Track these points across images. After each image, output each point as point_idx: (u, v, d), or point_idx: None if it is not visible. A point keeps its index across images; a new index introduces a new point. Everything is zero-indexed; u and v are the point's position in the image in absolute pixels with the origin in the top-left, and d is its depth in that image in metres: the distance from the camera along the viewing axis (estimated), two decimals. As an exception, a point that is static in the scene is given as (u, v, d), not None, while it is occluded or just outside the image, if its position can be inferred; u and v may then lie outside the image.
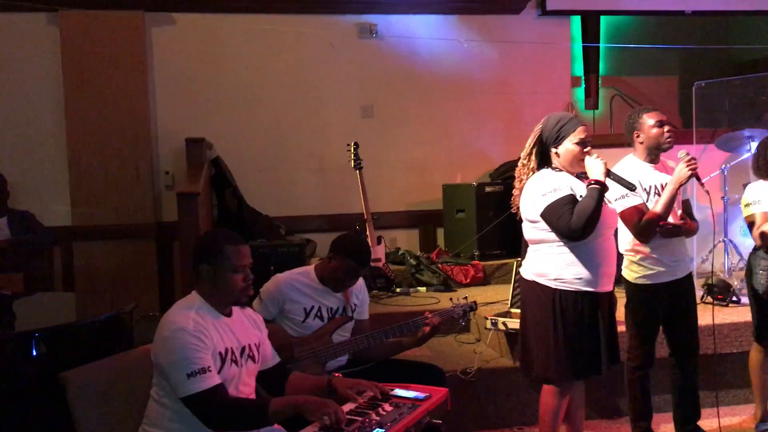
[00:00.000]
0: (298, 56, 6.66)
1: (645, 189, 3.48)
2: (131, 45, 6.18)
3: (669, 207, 3.37)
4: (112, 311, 3.09)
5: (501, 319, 4.22)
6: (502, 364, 4.27)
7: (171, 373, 2.28)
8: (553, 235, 3.03)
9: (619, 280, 3.51)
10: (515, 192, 3.26)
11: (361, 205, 5.70)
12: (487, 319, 4.34)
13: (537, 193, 3.03)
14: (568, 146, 3.06)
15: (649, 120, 3.51)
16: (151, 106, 6.32)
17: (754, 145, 5.35)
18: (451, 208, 6.38)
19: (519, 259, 5.65)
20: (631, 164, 3.53)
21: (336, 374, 2.71)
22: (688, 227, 3.53)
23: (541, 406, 3.20)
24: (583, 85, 7.64)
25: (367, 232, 5.61)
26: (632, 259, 3.51)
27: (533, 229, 3.11)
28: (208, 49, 6.51)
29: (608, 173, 3.04)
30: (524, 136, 7.00)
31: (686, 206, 3.65)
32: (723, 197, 5.48)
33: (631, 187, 3.20)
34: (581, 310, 3.02)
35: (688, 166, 3.30)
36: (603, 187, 2.96)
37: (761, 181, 3.73)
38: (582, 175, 3.12)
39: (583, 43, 7.43)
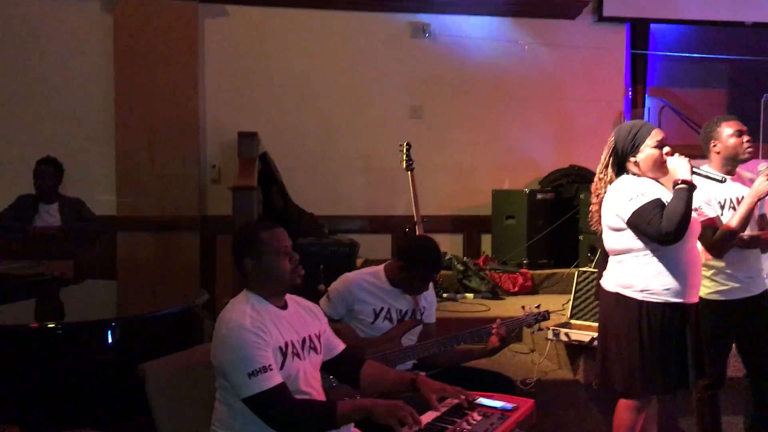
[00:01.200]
0: (350, 53, 6.57)
1: (720, 202, 3.35)
2: (184, 36, 6.12)
3: (746, 221, 3.23)
4: (185, 303, 3.00)
5: (564, 330, 4.09)
6: (561, 377, 4.14)
7: (232, 374, 2.18)
8: (639, 244, 2.90)
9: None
10: (593, 208, 3.15)
11: (406, 207, 5.59)
12: (546, 329, 4.21)
13: (623, 199, 2.91)
14: (647, 151, 2.96)
15: (727, 129, 3.39)
16: (200, 99, 6.26)
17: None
18: (500, 214, 6.24)
19: (572, 268, 5.56)
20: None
21: (421, 373, 2.60)
22: (766, 238, 3.39)
23: (617, 422, 3.08)
24: (630, 95, 7.48)
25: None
26: (705, 274, 3.36)
27: (618, 237, 2.97)
28: (258, 43, 6.43)
29: (693, 170, 2.92)
30: (575, 144, 6.95)
31: (762, 221, 3.51)
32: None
33: (721, 180, 3.09)
34: (669, 322, 2.89)
35: None
36: (691, 186, 2.84)
37: None
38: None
39: (632, 50, 7.26)
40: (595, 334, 3.41)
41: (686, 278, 2.91)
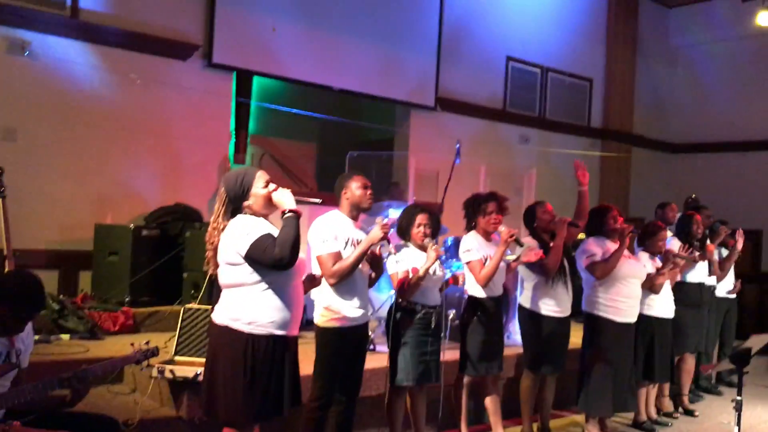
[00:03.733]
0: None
1: (345, 240, 3.88)
2: None
3: (360, 259, 3.81)
4: None
5: (169, 367, 4.11)
6: (164, 414, 4.14)
7: None
8: (253, 278, 3.11)
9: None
10: (209, 254, 3.27)
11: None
12: (149, 367, 4.17)
13: (240, 234, 3.10)
14: (256, 194, 3.22)
15: (356, 182, 3.98)
16: None
17: (392, 211, 6.19)
18: (103, 249, 5.99)
19: (176, 306, 5.60)
20: (336, 218, 3.94)
21: (15, 422, 2.38)
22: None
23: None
24: (234, 140, 7.86)
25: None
26: (322, 304, 3.85)
27: (234, 272, 3.14)
28: None
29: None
30: (181, 182, 7.05)
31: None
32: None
33: (318, 203, 3.74)
34: (272, 353, 3.14)
35: (382, 229, 3.78)
36: (297, 215, 3.16)
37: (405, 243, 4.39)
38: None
39: (237, 98, 7.69)
40: (200, 369, 3.50)
41: (290, 313, 3.21)
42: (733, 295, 6.87)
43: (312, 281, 3.59)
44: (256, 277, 3.11)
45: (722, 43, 11.57)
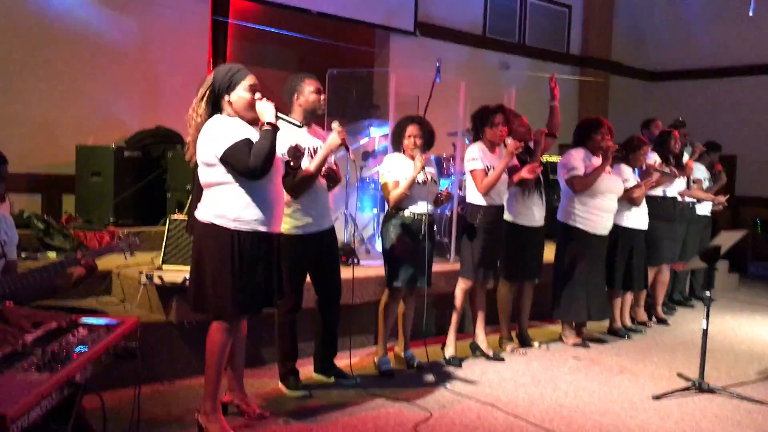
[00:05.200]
0: None
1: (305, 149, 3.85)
2: None
3: (320, 168, 3.80)
4: None
5: (157, 273, 4.20)
6: (154, 320, 4.24)
7: None
8: (230, 177, 3.18)
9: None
10: (189, 139, 3.32)
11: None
12: (140, 274, 4.27)
13: (216, 137, 3.15)
14: (240, 93, 3.25)
15: (309, 86, 3.91)
16: None
17: (373, 130, 6.24)
18: (85, 171, 5.99)
19: (160, 226, 5.64)
20: (288, 128, 3.76)
21: (7, 302, 2.47)
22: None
23: (210, 344, 3.31)
24: (213, 66, 7.76)
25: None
26: (285, 212, 3.78)
27: (212, 172, 3.21)
28: None
29: (277, 114, 3.30)
30: (161, 105, 7.02)
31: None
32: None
33: (298, 125, 3.60)
34: (258, 249, 3.23)
35: (339, 135, 3.77)
36: (275, 128, 3.21)
37: (396, 154, 4.43)
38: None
39: (213, 16, 7.50)
40: (188, 275, 3.57)
41: (272, 210, 3.29)
42: (709, 213, 7.10)
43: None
44: (233, 177, 3.17)
45: (701, -31, 11.55)
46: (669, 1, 12.10)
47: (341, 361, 4.32)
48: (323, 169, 3.84)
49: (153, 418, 3.51)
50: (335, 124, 3.81)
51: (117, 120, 6.66)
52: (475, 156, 4.64)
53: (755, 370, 4.95)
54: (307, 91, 3.90)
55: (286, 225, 3.82)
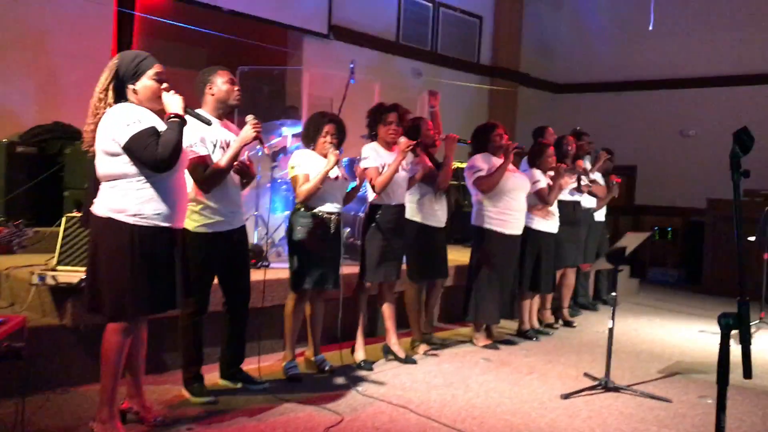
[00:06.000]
0: None
1: (213, 142, 3.69)
2: None
3: (232, 162, 3.65)
4: None
5: (51, 273, 3.92)
6: (46, 323, 3.95)
7: None
8: (134, 169, 3.01)
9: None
10: (88, 128, 3.12)
11: None
12: (32, 275, 3.98)
13: (120, 124, 2.97)
14: (146, 82, 3.10)
15: (222, 77, 3.77)
16: None
17: (285, 129, 6.12)
18: (-27, 166, 5.58)
19: (55, 227, 5.30)
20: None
21: None
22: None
23: (105, 346, 3.09)
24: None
25: None
26: (193, 209, 3.65)
27: (113, 162, 3.02)
28: None
29: (186, 109, 3.17)
30: (60, 100, 6.64)
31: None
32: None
33: (208, 122, 3.43)
34: (159, 245, 3.06)
35: (253, 128, 3.64)
36: (182, 121, 3.07)
37: (307, 150, 4.33)
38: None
39: (118, 8, 7.19)
40: (84, 276, 3.34)
41: (175, 204, 3.13)
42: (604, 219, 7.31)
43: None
44: (135, 169, 3.00)
45: (604, -13, 12.06)
46: (574, 15, 12.56)
47: (250, 366, 4.16)
48: (235, 164, 3.69)
49: (42, 429, 3.25)
50: (249, 117, 3.68)
51: (10, 113, 6.27)
52: (367, 155, 4.61)
53: (656, 369, 5.11)
54: (220, 81, 3.76)
55: (195, 223, 3.66)
